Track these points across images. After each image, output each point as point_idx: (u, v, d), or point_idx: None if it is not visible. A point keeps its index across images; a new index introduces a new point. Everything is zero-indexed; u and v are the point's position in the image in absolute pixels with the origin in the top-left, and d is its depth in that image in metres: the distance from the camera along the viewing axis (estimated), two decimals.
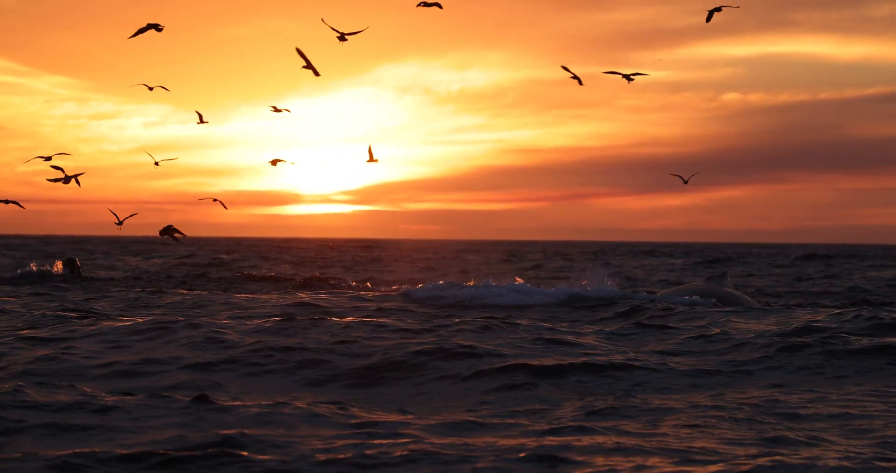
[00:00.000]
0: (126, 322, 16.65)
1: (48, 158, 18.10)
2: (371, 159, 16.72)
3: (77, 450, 8.18)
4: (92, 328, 16.19)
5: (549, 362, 13.01)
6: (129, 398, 10.25)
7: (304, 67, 15.16)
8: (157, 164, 18.07)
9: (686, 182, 16.86)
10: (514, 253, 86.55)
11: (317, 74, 15.45)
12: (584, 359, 13.35)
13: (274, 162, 18.25)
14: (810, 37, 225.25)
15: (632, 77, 14.66)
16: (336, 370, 13.19)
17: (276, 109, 17.39)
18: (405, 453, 8.13)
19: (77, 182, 18.23)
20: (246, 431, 8.83)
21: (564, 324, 18.78)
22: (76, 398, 10.08)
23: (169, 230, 18.92)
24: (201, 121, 17.69)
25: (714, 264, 63.06)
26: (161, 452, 8.05)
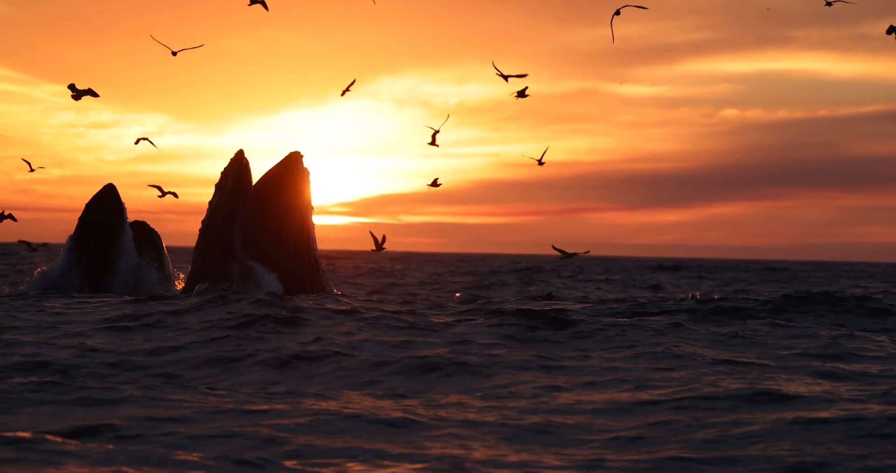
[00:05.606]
0: None
1: (76, 96, 17.62)
2: (432, 143, 16.88)
3: None
4: None
5: None
6: None
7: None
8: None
9: None
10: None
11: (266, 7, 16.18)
12: None
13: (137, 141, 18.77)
14: (808, 54, 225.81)
15: (508, 79, 15.24)
16: None
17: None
18: None
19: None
20: None
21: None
22: None
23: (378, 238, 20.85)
24: (347, 90, 18.38)
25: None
26: None
